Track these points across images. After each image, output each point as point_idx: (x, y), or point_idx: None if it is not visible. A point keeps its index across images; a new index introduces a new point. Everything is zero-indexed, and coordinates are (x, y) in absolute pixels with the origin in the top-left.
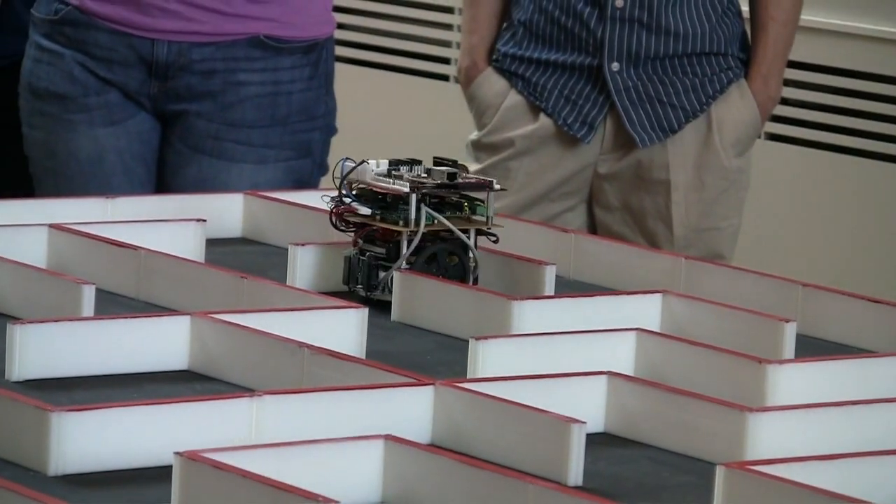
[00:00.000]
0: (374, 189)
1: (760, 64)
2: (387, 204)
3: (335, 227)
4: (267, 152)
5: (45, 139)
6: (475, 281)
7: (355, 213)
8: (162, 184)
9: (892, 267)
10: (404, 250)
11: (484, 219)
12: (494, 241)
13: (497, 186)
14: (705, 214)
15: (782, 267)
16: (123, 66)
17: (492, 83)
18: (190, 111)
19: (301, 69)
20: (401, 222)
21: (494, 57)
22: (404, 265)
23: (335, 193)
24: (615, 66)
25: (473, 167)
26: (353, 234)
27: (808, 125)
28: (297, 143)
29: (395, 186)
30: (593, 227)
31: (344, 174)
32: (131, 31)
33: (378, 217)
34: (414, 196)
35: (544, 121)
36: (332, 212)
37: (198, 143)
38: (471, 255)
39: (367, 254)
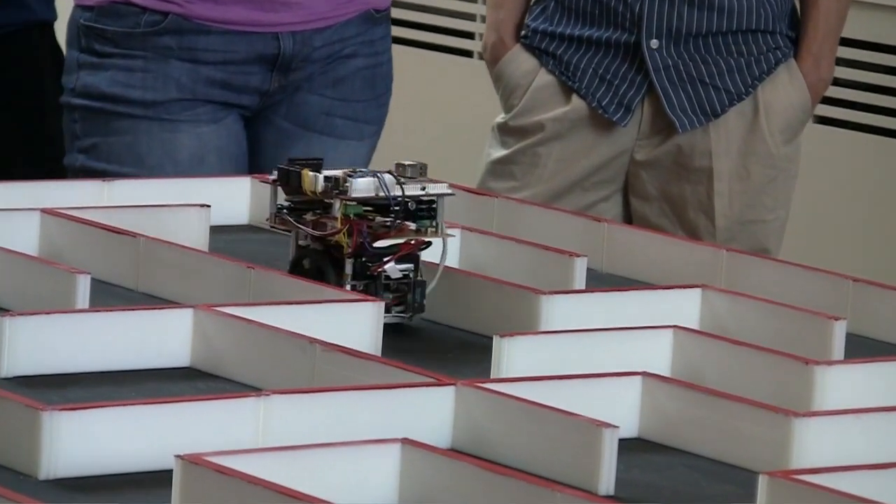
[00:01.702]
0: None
1: (811, 42)
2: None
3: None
4: (366, 128)
5: (133, 142)
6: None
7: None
8: (255, 170)
9: None
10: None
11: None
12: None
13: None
14: (750, 206)
15: (831, 261)
16: (241, 66)
17: (520, 62)
18: (301, 88)
19: (386, 39)
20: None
21: (523, 33)
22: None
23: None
24: (654, 42)
25: (499, 153)
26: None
27: (861, 107)
28: (381, 117)
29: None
30: (629, 218)
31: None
32: (252, 29)
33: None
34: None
35: (577, 103)
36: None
37: (308, 121)
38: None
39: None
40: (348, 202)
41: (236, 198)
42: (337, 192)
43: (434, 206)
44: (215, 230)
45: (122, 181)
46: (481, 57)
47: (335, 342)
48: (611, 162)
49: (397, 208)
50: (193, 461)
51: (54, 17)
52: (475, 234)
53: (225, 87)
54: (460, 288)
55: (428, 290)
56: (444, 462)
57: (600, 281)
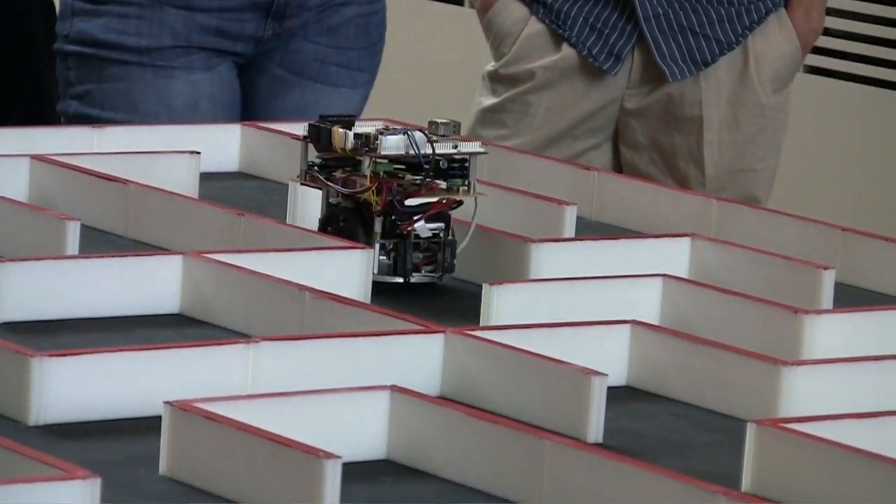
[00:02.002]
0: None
1: None
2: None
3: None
4: (360, 76)
5: (127, 89)
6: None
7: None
8: (248, 118)
9: None
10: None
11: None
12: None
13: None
14: (740, 155)
15: (820, 210)
16: (236, 13)
17: (511, 10)
18: (296, 35)
19: None
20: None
21: None
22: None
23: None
24: None
25: (490, 101)
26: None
27: (851, 57)
28: (375, 65)
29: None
30: (619, 167)
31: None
32: None
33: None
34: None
35: (567, 51)
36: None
37: (303, 68)
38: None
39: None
40: (378, 160)
41: (227, 145)
42: (367, 149)
43: (466, 164)
44: (205, 177)
45: (112, 128)
46: (472, 5)
47: (325, 290)
48: (601, 111)
49: (428, 166)
50: (182, 407)
51: None
52: None
53: (219, 34)
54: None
55: (459, 250)
56: (433, 409)
57: (590, 229)
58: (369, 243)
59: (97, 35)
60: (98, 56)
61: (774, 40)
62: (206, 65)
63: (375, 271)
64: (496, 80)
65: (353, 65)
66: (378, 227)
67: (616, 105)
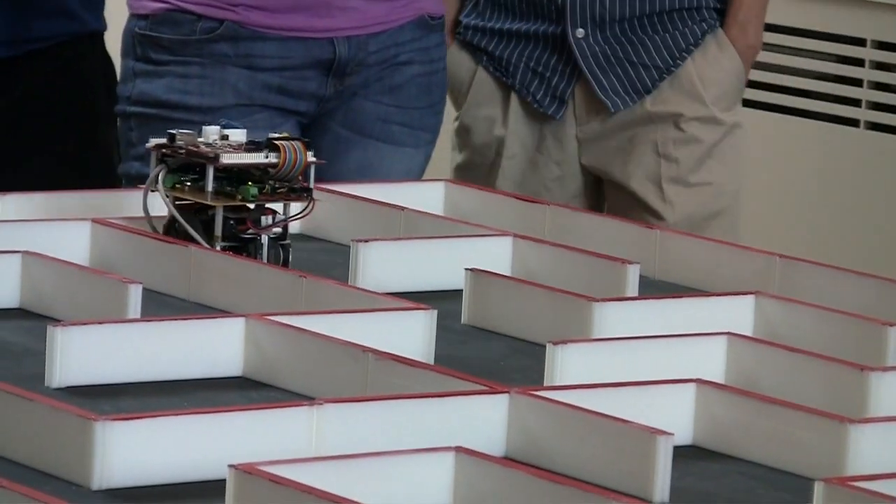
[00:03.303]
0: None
1: (737, 10)
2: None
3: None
4: (423, 135)
5: None
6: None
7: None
8: None
9: (876, 240)
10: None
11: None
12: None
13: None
14: (695, 170)
15: (763, 241)
16: (298, 72)
17: (459, 59)
18: (358, 94)
19: (441, 47)
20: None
21: (458, 30)
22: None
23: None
24: (580, 32)
25: (459, 158)
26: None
27: (786, 91)
28: (437, 124)
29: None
30: (591, 186)
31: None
32: (307, 35)
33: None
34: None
35: (515, 99)
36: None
37: (365, 127)
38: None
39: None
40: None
41: None
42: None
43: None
44: None
45: None
46: None
47: (388, 351)
48: (559, 147)
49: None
50: (247, 471)
51: (104, 27)
52: (527, 241)
53: (282, 92)
54: (512, 295)
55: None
56: (498, 470)
57: (653, 288)
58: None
59: (160, 95)
60: (160, 116)
61: (715, 59)
62: (270, 124)
63: None
64: (461, 132)
65: (415, 124)
66: (218, 231)
67: (572, 139)
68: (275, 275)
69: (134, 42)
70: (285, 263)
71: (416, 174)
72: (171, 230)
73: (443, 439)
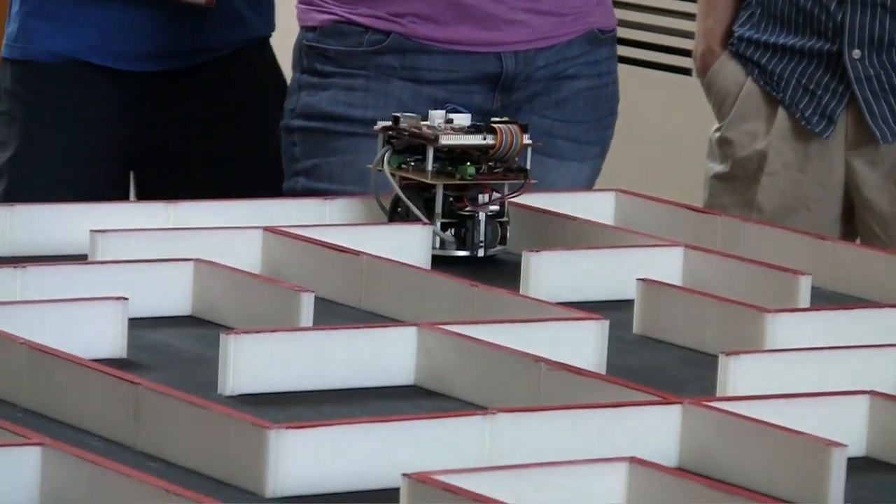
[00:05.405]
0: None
1: None
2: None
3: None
4: (589, 150)
5: (354, 161)
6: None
7: None
8: None
9: None
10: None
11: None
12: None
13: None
14: None
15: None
16: (463, 86)
17: (728, 70)
18: (523, 108)
19: (611, 60)
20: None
21: (731, 41)
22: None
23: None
24: (856, 53)
25: (718, 167)
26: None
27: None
28: (605, 139)
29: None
30: (855, 233)
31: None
32: (474, 49)
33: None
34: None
35: (781, 114)
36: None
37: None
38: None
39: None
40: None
41: None
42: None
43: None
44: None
45: (343, 199)
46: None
47: (560, 360)
48: (826, 176)
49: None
50: (421, 480)
51: (272, 28)
52: (698, 252)
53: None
54: (683, 306)
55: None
56: (671, 481)
57: (825, 299)
58: (431, 220)
59: (324, 108)
60: (325, 129)
61: None
62: None
63: (437, 246)
64: (722, 143)
65: (581, 138)
66: (438, 208)
67: (840, 165)
68: (446, 284)
69: (301, 54)
70: (503, 240)
71: (582, 188)
72: (396, 208)
73: (616, 450)
